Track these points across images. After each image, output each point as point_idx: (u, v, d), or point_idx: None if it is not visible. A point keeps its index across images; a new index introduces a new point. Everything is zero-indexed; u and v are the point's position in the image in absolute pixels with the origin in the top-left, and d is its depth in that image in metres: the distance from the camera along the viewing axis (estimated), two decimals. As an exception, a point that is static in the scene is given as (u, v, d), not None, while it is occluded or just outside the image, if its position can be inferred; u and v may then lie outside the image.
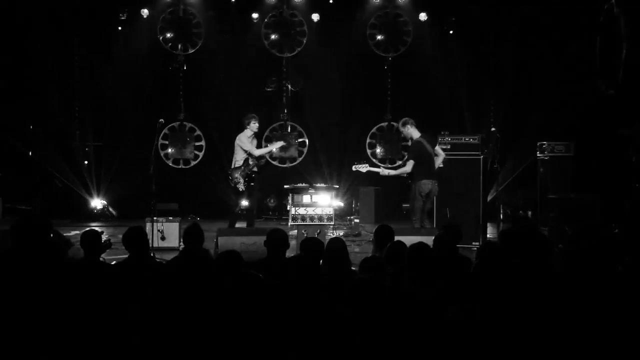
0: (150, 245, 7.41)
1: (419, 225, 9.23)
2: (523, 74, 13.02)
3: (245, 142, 10.14)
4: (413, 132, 9.65)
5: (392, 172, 9.69)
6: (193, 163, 13.90)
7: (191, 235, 6.04)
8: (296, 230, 9.33)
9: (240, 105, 13.51)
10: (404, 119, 9.79)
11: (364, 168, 9.86)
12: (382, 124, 14.02)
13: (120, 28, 13.41)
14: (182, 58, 13.63)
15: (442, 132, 10.61)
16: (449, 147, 10.12)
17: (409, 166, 9.42)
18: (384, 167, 9.91)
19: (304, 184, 9.75)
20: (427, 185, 9.50)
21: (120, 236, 6.18)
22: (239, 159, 10.17)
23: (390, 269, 5.11)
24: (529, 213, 11.64)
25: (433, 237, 6.15)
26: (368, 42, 13.67)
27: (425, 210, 9.61)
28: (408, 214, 9.84)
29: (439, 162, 9.65)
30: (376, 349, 3.60)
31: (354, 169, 9.88)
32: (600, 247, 5.09)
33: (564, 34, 12.42)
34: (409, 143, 9.71)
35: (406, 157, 9.76)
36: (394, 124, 13.88)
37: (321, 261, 5.59)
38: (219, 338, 3.77)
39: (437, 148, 9.72)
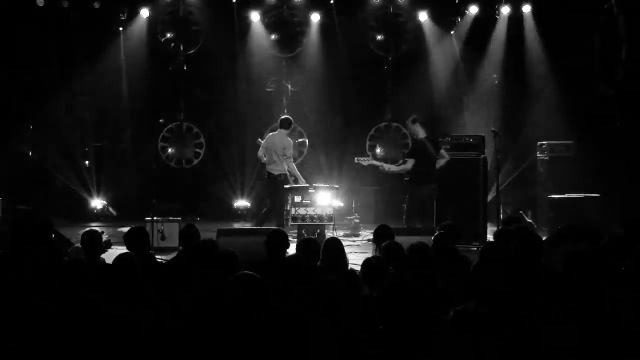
0: (150, 245, 7.42)
1: (412, 225, 9.28)
2: (523, 73, 13.02)
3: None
4: (419, 131, 9.67)
5: (393, 168, 9.73)
6: (193, 163, 13.89)
7: (187, 236, 6.07)
8: (296, 230, 9.33)
9: (240, 105, 13.53)
10: (413, 116, 9.81)
11: (365, 161, 9.90)
12: (382, 124, 14.01)
13: (120, 28, 13.39)
14: (182, 58, 13.61)
15: (442, 132, 10.63)
16: (449, 147, 10.13)
17: (409, 164, 9.46)
18: (385, 164, 9.96)
19: (304, 184, 9.75)
20: (426, 189, 9.57)
21: (120, 236, 6.19)
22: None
23: (391, 269, 5.12)
24: (529, 213, 11.64)
25: (433, 237, 6.17)
26: (368, 42, 13.65)
27: (422, 212, 9.67)
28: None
29: (441, 163, 9.68)
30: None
31: (356, 161, 9.92)
32: (599, 247, 5.09)
33: (564, 34, 12.42)
34: (409, 141, 9.74)
35: (407, 154, 9.78)
36: (394, 124, 13.89)
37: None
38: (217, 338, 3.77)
39: (442, 151, 9.76)
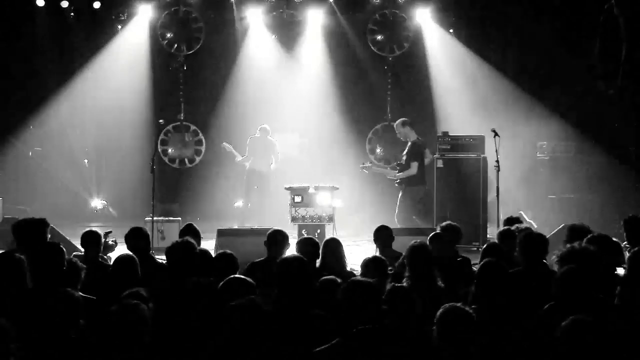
0: (151, 246, 7.42)
1: (405, 226, 9.32)
2: (523, 73, 13.01)
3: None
4: (411, 134, 9.77)
5: (399, 175, 9.77)
6: (193, 163, 13.89)
7: (187, 236, 6.05)
8: (296, 230, 9.33)
9: (240, 105, 13.52)
10: (403, 119, 9.92)
11: (368, 169, 10.02)
12: (382, 124, 14.00)
13: (120, 28, 13.38)
14: (182, 58, 13.61)
15: (442, 132, 10.63)
16: (449, 147, 10.13)
17: (414, 168, 9.55)
18: (389, 168, 10.04)
19: (304, 184, 9.76)
20: (421, 190, 9.63)
21: (120, 236, 6.19)
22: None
23: (390, 270, 5.12)
24: (529, 213, 11.64)
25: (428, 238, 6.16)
26: (368, 42, 13.65)
27: (414, 213, 9.74)
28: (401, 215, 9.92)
29: (425, 163, 9.84)
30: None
31: (360, 167, 10.01)
32: (599, 247, 5.08)
33: (564, 34, 12.42)
34: (408, 142, 9.80)
35: (406, 158, 9.80)
36: (394, 124, 13.88)
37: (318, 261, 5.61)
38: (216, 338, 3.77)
39: (427, 150, 9.87)
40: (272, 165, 11.42)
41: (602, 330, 3.30)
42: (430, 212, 10.26)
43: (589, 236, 5.16)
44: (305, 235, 8.72)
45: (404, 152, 9.94)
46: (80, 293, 4.16)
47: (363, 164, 10.31)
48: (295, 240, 8.73)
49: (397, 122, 10.06)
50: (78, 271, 4.60)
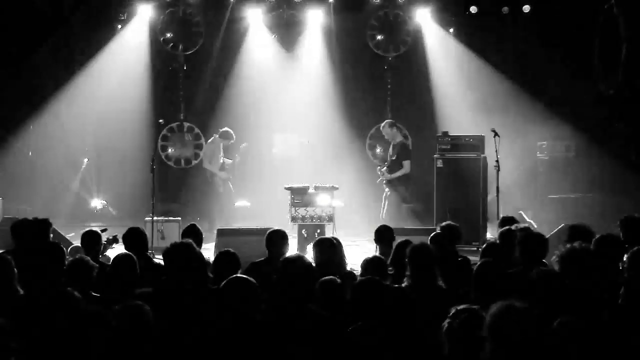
0: (150, 245, 7.42)
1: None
2: (523, 73, 13.02)
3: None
4: (398, 135, 9.82)
5: (393, 175, 9.81)
6: (193, 163, 13.88)
7: (189, 236, 6.05)
8: (296, 230, 9.33)
9: (240, 105, 13.52)
10: (390, 121, 9.96)
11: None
12: (382, 124, 13.98)
13: (120, 28, 13.38)
14: (182, 58, 13.61)
15: (442, 132, 10.63)
16: (449, 147, 10.13)
17: (407, 166, 9.55)
18: (386, 174, 10.03)
19: (304, 184, 9.76)
20: (407, 190, 9.68)
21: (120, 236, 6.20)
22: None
23: (391, 269, 5.12)
24: (529, 213, 11.65)
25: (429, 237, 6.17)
26: (368, 42, 13.65)
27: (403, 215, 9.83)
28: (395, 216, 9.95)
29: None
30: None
31: (381, 176, 9.99)
32: (598, 247, 5.09)
33: (564, 34, 12.43)
34: (395, 142, 9.84)
35: (396, 158, 9.81)
36: (381, 125, 13.88)
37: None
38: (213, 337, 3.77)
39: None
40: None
41: (595, 333, 3.31)
42: (430, 212, 10.27)
43: (597, 237, 5.17)
44: (305, 236, 8.77)
45: (393, 153, 9.96)
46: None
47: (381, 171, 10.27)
48: (296, 240, 8.86)
49: (385, 123, 10.08)
50: (89, 270, 4.59)
